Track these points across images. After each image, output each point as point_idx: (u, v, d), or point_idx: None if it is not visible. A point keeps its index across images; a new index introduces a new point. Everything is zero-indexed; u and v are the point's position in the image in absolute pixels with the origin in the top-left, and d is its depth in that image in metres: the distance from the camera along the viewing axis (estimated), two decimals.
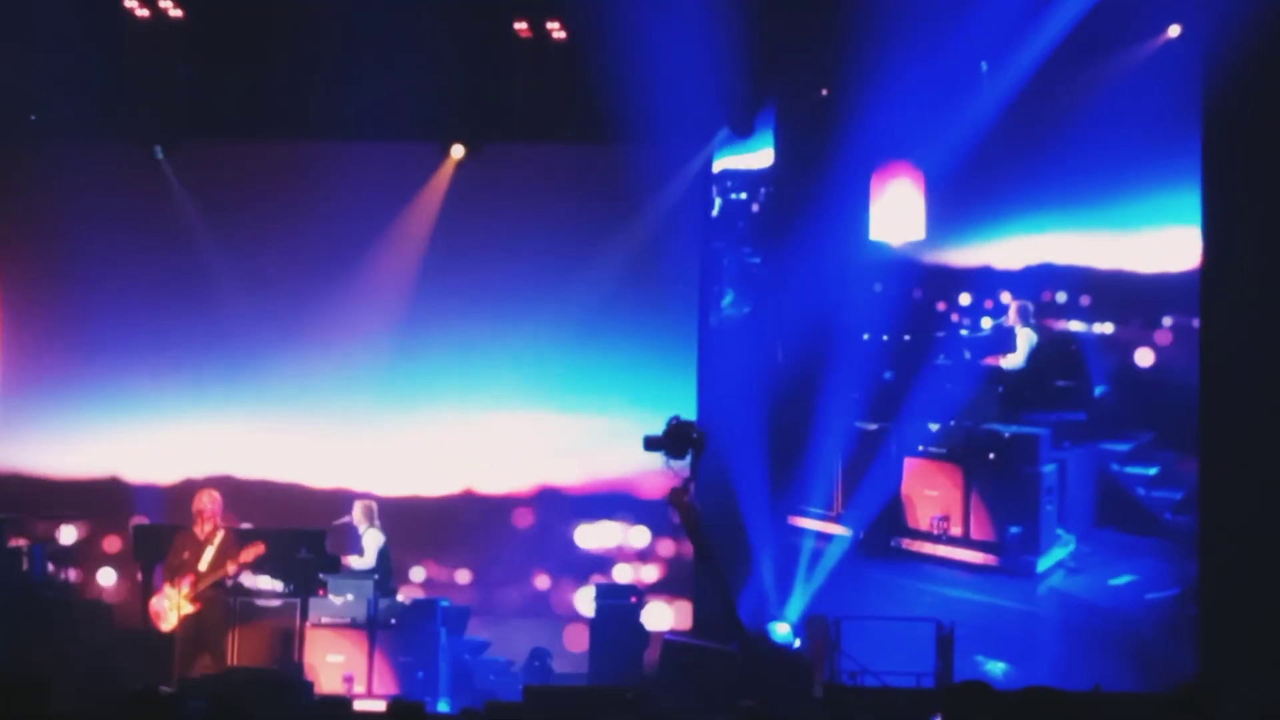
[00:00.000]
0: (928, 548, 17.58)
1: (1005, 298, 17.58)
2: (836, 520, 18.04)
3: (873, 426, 17.77)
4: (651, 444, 15.50)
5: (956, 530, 17.43)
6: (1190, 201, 16.67)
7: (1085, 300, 17.36)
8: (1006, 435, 17.19)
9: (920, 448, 17.67)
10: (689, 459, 15.38)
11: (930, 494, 17.61)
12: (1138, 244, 17.03)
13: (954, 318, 17.80)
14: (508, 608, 19.04)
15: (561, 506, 18.98)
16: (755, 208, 19.01)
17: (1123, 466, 16.95)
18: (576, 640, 18.39)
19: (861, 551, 17.78)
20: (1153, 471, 16.71)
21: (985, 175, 17.47)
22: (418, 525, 18.73)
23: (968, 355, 17.59)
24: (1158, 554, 16.53)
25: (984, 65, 17.52)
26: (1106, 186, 17.00)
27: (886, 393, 17.77)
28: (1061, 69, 17.02)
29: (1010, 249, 17.60)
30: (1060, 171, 17.07)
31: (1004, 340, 17.48)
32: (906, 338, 17.82)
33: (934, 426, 17.45)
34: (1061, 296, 17.44)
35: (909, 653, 15.66)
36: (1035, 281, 17.50)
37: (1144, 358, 17.06)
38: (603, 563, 19.09)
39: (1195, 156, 16.52)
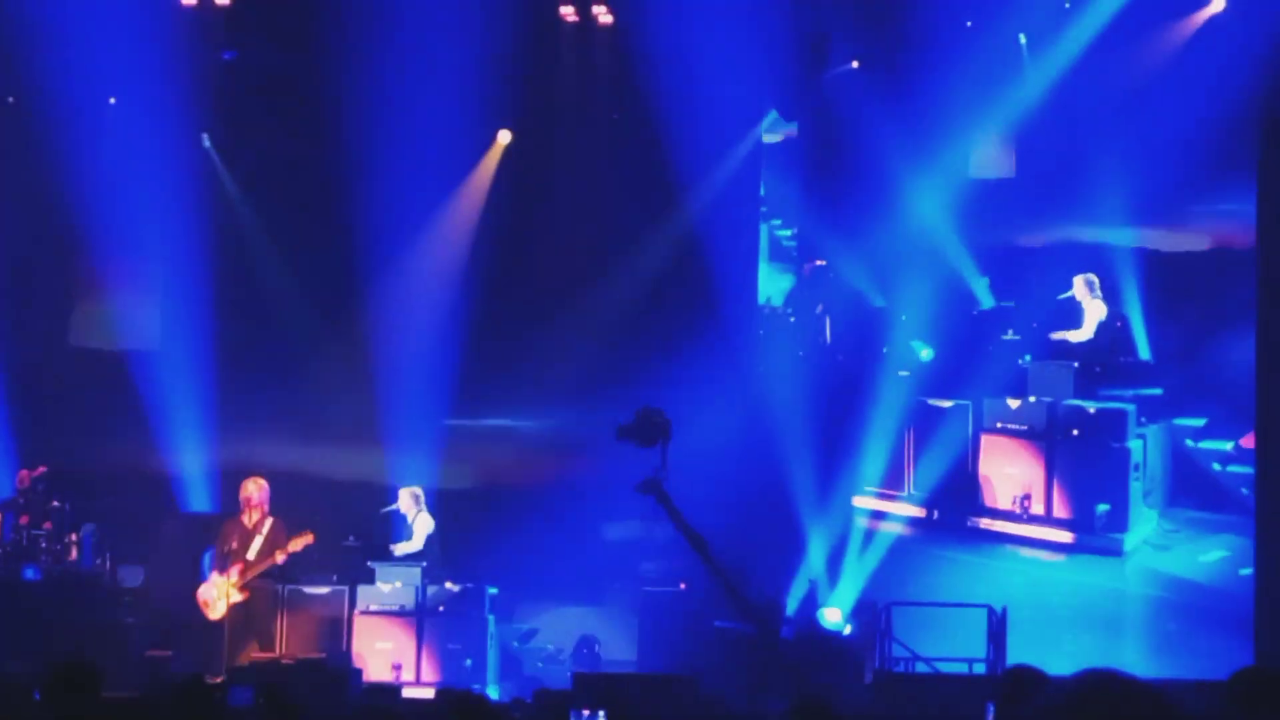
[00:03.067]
0: (1008, 527, 17.07)
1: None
2: (907, 500, 17.58)
3: (945, 404, 17.30)
4: (623, 433, 15.16)
5: (1039, 509, 16.93)
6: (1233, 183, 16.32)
7: (1118, 278, 17.01)
8: (1092, 410, 16.73)
9: (998, 424, 17.18)
10: (659, 446, 15.02)
11: (1010, 471, 17.09)
12: (1177, 224, 16.73)
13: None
14: (547, 597, 18.80)
15: (590, 499, 18.53)
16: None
17: (1197, 442, 16.56)
18: (622, 629, 18.16)
19: (935, 531, 17.37)
20: (1227, 447, 16.34)
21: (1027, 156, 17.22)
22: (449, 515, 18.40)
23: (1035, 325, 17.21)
24: (1239, 530, 16.12)
25: (1023, 39, 17.17)
26: (1151, 168, 16.69)
27: (951, 369, 17.34)
28: (1105, 46, 16.73)
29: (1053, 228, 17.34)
30: (1103, 155, 16.83)
31: (1071, 314, 17.08)
32: (975, 312, 17.45)
33: (1013, 403, 17.00)
34: (1093, 277, 17.09)
35: (966, 638, 15.29)
36: (1066, 261, 17.18)
37: (1191, 336, 16.75)
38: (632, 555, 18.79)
39: (1240, 137, 16.12)
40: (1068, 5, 16.76)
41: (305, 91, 19.12)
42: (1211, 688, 11.38)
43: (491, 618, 17.04)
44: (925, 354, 17.59)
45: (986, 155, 17.59)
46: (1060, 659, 14.97)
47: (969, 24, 17.36)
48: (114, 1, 17.45)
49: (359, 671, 16.00)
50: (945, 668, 15.05)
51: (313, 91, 19.10)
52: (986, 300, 17.53)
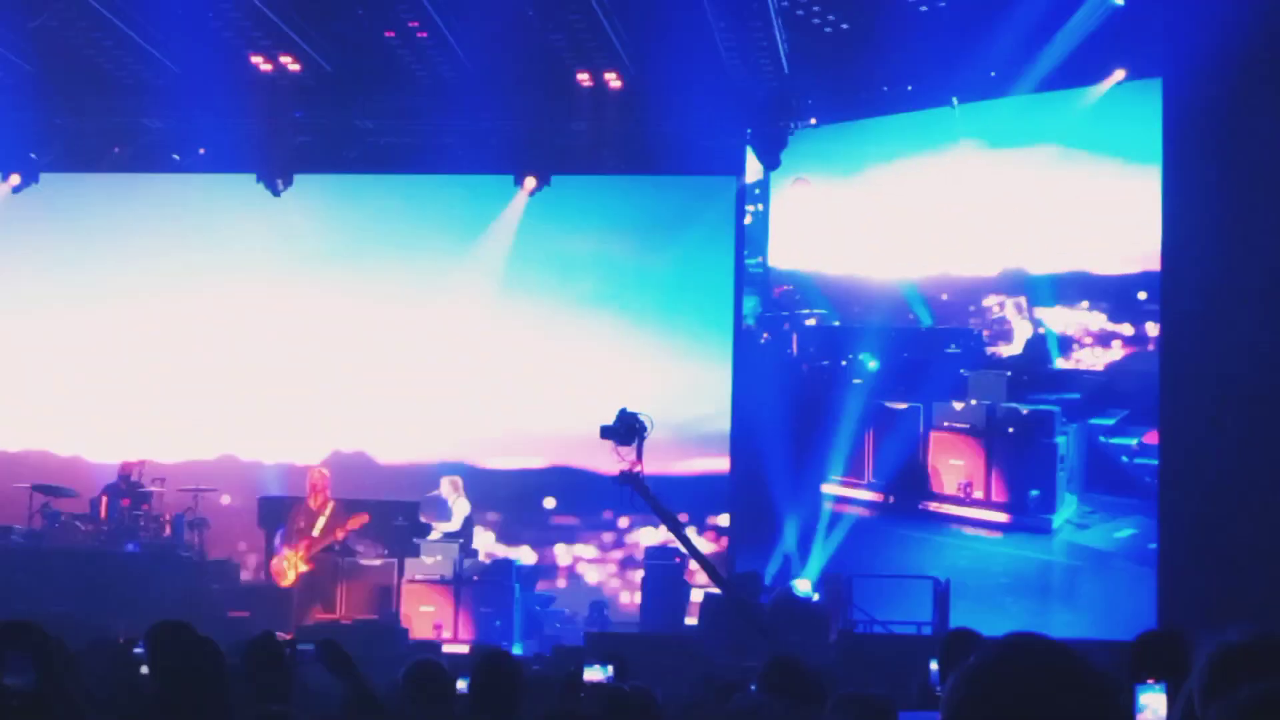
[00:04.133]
0: (953, 509, 17.14)
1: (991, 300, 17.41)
2: (868, 488, 17.65)
3: (901, 406, 17.40)
4: (606, 433, 15.16)
5: (979, 494, 16.97)
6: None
7: (1048, 298, 17.17)
8: (1025, 412, 16.83)
9: (945, 423, 17.26)
10: (635, 444, 15.04)
11: (955, 463, 17.08)
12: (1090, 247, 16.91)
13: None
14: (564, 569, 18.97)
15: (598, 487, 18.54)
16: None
17: (1108, 438, 16.66)
18: (627, 597, 18.32)
19: (891, 513, 17.42)
20: (1133, 442, 16.42)
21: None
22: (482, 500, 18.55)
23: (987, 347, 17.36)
24: (1145, 512, 16.17)
25: (955, 101, 17.32)
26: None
27: (904, 378, 17.46)
28: (1026, 106, 16.92)
29: (986, 261, 17.51)
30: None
31: (1003, 332, 17.20)
32: (923, 327, 17.59)
33: (958, 405, 17.10)
34: (1022, 300, 17.22)
35: (917, 605, 15.33)
36: (998, 287, 17.35)
37: (1105, 346, 16.90)
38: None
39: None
40: (993, 74, 16.85)
41: (363, 142, 19.27)
42: (1120, 647, 11.48)
43: (517, 586, 17.09)
44: (872, 365, 17.68)
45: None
46: (1000, 618, 15.11)
47: (910, 88, 17.51)
48: (205, 68, 17.52)
49: (406, 630, 16.15)
50: (897, 629, 15.06)
51: (368, 144, 19.26)
52: (925, 320, 17.63)
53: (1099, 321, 16.99)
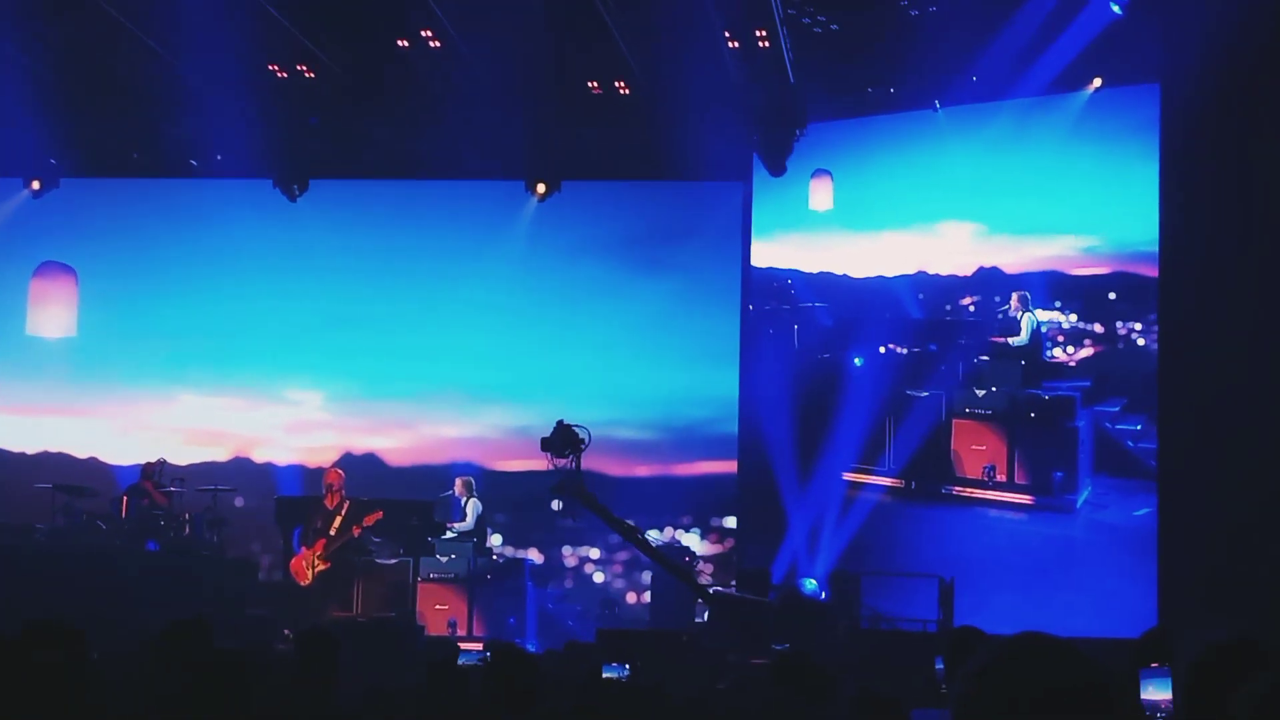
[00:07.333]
0: (977, 493, 17.13)
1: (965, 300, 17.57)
2: (886, 474, 17.60)
3: (922, 394, 17.43)
4: (545, 444, 15.10)
5: (1002, 477, 17.06)
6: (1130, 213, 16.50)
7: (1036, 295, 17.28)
8: (1047, 397, 16.86)
9: (966, 410, 17.28)
10: (571, 456, 14.96)
11: (978, 448, 17.05)
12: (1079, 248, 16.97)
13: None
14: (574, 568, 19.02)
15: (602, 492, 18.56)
16: None
17: (1114, 424, 16.67)
18: (633, 597, 18.41)
19: (911, 498, 17.42)
20: (1137, 427, 16.43)
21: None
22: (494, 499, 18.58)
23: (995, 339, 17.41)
24: (1151, 491, 16.18)
25: (937, 104, 17.48)
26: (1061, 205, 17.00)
27: (918, 367, 17.50)
28: (1006, 111, 17.02)
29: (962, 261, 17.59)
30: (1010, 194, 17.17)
31: (1009, 324, 17.25)
32: (947, 316, 17.68)
33: (979, 392, 17.13)
34: (1026, 294, 17.27)
35: (924, 600, 15.34)
36: (992, 284, 17.44)
37: (1077, 345, 16.98)
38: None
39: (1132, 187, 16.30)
40: (975, 79, 16.94)
41: (376, 147, 19.34)
42: (1119, 644, 11.46)
43: (530, 584, 17.14)
44: (858, 361, 17.77)
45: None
46: (1027, 594, 15.23)
47: (891, 90, 17.64)
48: (222, 75, 17.63)
49: (422, 628, 16.13)
50: (903, 627, 15.07)
51: (380, 150, 19.33)
52: (913, 314, 17.77)
53: (1070, 320, 17.11)
